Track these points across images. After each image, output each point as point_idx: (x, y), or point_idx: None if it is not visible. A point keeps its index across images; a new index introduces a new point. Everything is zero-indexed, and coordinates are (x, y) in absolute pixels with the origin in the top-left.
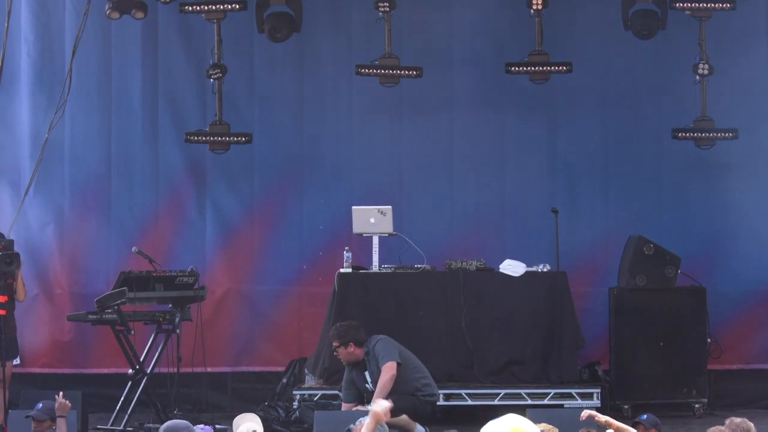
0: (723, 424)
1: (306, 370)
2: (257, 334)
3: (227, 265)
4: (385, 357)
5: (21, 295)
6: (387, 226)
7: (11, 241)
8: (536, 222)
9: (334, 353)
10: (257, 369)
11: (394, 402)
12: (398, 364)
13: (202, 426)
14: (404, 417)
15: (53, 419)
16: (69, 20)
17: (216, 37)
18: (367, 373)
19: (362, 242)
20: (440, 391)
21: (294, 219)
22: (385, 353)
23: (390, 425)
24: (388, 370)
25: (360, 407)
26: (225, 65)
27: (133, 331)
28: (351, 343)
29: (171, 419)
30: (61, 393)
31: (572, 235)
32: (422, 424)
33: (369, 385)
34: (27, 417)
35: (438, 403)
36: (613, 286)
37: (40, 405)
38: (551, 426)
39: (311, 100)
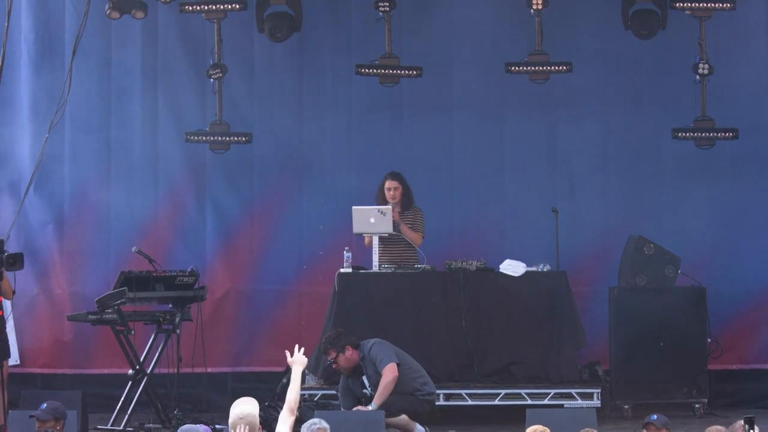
0: (722, 424)
1: (306, 370)
2: (257, 334)
3: (227, 265)
4: (384, 359)
5: (9, 294)
6: (387, 226)
7: (2, 241)
8: (536, 222)
9: (333, 366)
10: (257, 369)
11: (393, 402)
12: (398, 365)
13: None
14: (404, 417)
15: (56, 419)
16: (69, 20)
17: (216, 37)
18: (364, 378)
19: (362, 242)
20: (440, 391)
21: (294, 219)
22: (383, 356)
23: (390, 425)
24: (390, 372)
25: (360, 407)
26: (225, 65)
27: (133, 331)
28: (347, 347)
29: (172, 419)
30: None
31: (572, 235)
32: (422, 424)
33: (367, 391)
34: (31, 417)
35: (438, 403)
36: (613, 285)
37: (44, 405)
38: (543, 427)
39: (311, 100)
